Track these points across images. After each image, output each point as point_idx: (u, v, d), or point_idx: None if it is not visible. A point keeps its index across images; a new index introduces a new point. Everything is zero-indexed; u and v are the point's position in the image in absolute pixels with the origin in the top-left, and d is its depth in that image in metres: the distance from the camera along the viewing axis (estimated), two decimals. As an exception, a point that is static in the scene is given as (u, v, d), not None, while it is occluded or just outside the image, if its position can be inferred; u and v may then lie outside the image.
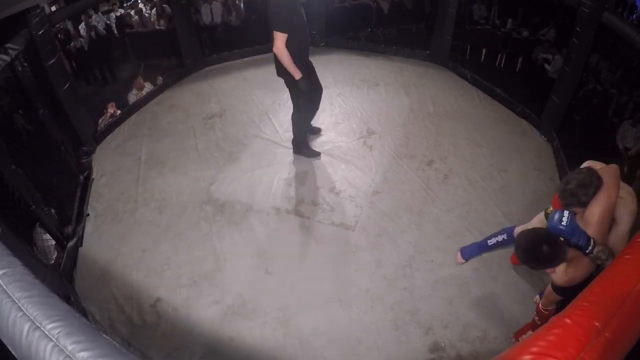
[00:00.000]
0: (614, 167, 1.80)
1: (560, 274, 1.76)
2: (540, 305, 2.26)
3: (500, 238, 2.50)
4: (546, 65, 5.26)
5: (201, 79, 5.20)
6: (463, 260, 2.75)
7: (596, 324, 0.77)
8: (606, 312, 0.80)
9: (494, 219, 3.12)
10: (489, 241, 2.57)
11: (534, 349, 0.75)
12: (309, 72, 3.25)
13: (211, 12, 6.20)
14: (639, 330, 0.85)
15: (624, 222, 1.75)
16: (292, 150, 3.81)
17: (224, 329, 2.51)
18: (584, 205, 1.71)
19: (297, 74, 3.01)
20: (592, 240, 1.65)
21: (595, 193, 1.69)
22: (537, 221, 2.30)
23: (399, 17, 6.51)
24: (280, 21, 2.86)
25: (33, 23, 3.16)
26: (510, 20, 6.15)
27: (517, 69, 5.67)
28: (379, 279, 2.75)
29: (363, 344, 2.41)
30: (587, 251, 1.65)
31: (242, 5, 6.43)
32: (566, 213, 1.64)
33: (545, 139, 3.97)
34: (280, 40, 2.87)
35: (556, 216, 1.65)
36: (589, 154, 3.56)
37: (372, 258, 2.88)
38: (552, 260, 1.65)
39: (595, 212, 1.69)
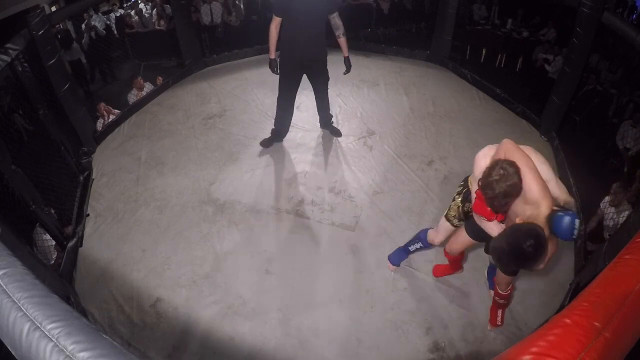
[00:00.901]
0: (508, 142, 1.73)
1: None
2: (500, 291, 2.27)
3: (418, 245, 2.50)
4: (546, 66, 5.27)
5: (201, 79, 5.21)
6: (395, 267, 2.75)
7: (596, 324, 0.77)
8: (606, 312, 0.80)
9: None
10: (410, 247, 2.58)
11: (534, 349, 0.75)
12: (294, 69, 3.36)
13: (211, 12, 6.20)
14: (639, 330, 0.85)
15: (549, 178, 1.71)
16: (291, 149, 3.82)
17: (224, 329, 2.51)
18: (519, 194, 1.63)
19: (271, 54, 3.26)
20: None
21: (518, 177, 1.60)
22: (444, 227, 2.25)
23: (399, 17, 6.53)
24: (273, 4, 3.18)
25: (33, 23, 3.16)
26: (510, 21, 6.16)
27: (517, 69, 5.67)
28: (379, 279, 2.75)
29: (363, 344, 2.41)
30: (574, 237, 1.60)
31: (242, 6, 6.43)
32: (577, 222, 1.55)
33: (545, 139, 3.97)
34: (272, 20, 3.17)
35: (568, 224, 1.55)
36: (589, 154, 3.60)
37: (372, 258, 2.88)
38: (543, 253, 1.53)
39: (534, 190, 1.60)
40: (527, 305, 2.58)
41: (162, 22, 6.32)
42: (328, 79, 3.56)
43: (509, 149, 1.69)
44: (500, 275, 2.18)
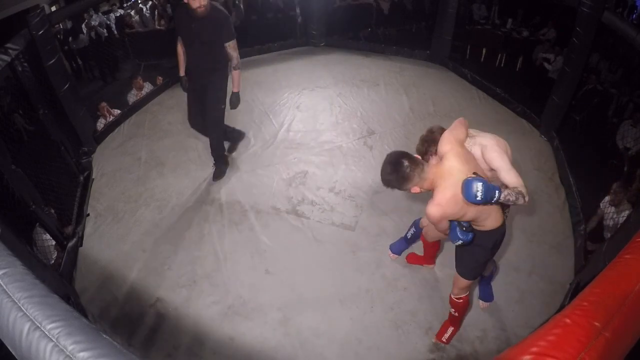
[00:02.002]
0: (459, 119, 1.96)
1: (430, 201, 1.74)
2: (452, 295, 2.24)
3: (412, 230, 2.68)
4: (546, 65, 5.26)
5: (201, 79, 5.20)
6: (395, 256, 2.86)
7: (596, 324, 0.77)
8: (606, 312, 0.80)
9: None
10: (407, 234, 2.74)
11: (534, 349, 0.75)
12: (192, 89, 3.21)
13: (211, 12, 6.19)
14: (639, 330, 0.85)
15: (500, 162, 1.81)
16: (291, 149, 3.80)
17: (224, 329, 2.51)
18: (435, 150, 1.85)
19: (180, 71, 3.21)
20: (497, 191, 1.63)
21: (436, 138, 1.87)
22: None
23: (399, 17, 6.52)
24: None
25: (33, 23, 3.16)
26: (510, 20, 6.16)
27: (517, 69, 5.67)
28: (379, 279, 2.75)
29: (363, 344, 2.41)
30: (494, 200, 1.64)
31: (242, 6, 6.43)
32: (479, 185, 1.58)
33: (545, 139, 3.97)
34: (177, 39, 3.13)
35: (472, 189, 1.59)
36: (589, 154, 3.60)
37: (372, 258, 2.88)
38: (412, 174, 1.70)
39: (443, 143, 1.79)
40: (527, 305, 2.58)
41: (162, 22, 6.32)
42: (219, 103, 3.16)
43: (455, 123, 1.92)
44: (457, 278, 2.16)
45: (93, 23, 6.34)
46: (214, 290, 2.72)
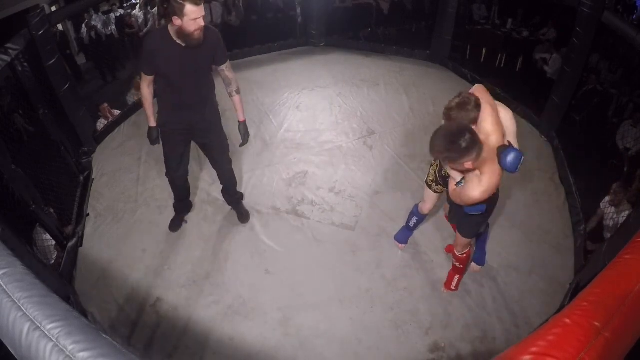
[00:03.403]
0: (479, 85, 2.00)
1: (476, 184, 1.83)
2: (455, 252, 2.44)
3: (414, 219, 2.76)
4: (545, 67, 5.26)
5: (201, 79, 5.20)
6: (403, 246, 2.92)
7: (596, 324, 0.77)
8: (606, 312, 0.80)
9: (493, 219, 3.11)
10: (409, 223, 2.81)
11: (533, 349, 0.75)
12: (180, 137, 2.64)
13: (211, 12, 6.19)
14: (639, 330, 0.85)
15: (511, 131, 1.94)
16: (291, 149, 3.79)
17: (224, 329, 2.51)
18: (475, 120, 1.85)
19: (150, 122, 2.64)
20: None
21: (476, 106, 1.85)
22: (427, 194, 2.51)
23: (399, 17, 6.53)
24: (140, 60, 2.50)
25: (33, 23, 3.16)
26: (510, 20, 6.16)
27: (517, 69, 5.68)
28: (379, 279, 2.75)
29: (363, 344, 2.41)
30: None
31: (242, 5, 6.43)
32: (521, 158, 1.78)
33: (545, 139, 3.97)
34: (142, 80, 2.46)
35: (513, 158, 1.77)
36: (589, 154, 3.60)
37: (372, 258, 2.88)
38: (472, 148, 1.68)
39: (488, 122, 1.83)
40: (527, 305, 2.58)
41: (163, 22, 6.31)
42: (227, 147, 2.73)
43: (478, 89, 1.95)
44: (459, 238, 2.34)
45: (93, 23, 6.33)
46: (214, 290, 2.72)
